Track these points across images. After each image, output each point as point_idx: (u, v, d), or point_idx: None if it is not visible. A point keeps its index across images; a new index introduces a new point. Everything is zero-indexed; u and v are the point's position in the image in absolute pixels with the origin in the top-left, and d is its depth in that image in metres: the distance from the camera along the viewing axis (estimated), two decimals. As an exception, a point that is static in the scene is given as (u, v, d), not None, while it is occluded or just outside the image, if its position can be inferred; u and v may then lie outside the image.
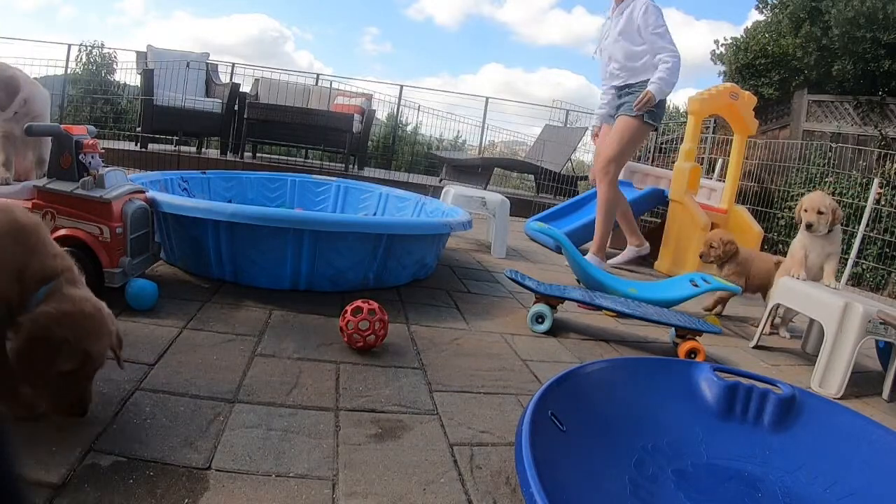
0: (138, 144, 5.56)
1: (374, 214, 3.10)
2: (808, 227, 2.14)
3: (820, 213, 2.14)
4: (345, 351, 1.44)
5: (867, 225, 4.51)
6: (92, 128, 1.65)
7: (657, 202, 3.99)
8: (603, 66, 3.24)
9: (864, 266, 4.92)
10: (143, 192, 1.75)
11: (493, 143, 8.99)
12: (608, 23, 3.18)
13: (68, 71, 7.48)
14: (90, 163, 1.57)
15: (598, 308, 2.02)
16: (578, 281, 2.50)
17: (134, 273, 1.60)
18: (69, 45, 7.29)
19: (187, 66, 5.70)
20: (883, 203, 4.80)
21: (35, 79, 2.15)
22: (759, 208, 5.41)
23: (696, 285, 2.31)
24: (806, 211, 2.17)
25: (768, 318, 2.16)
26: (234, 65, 7.35)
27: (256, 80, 6.51)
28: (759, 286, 2.65)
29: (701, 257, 2.65)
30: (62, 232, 1.51)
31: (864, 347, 1.74)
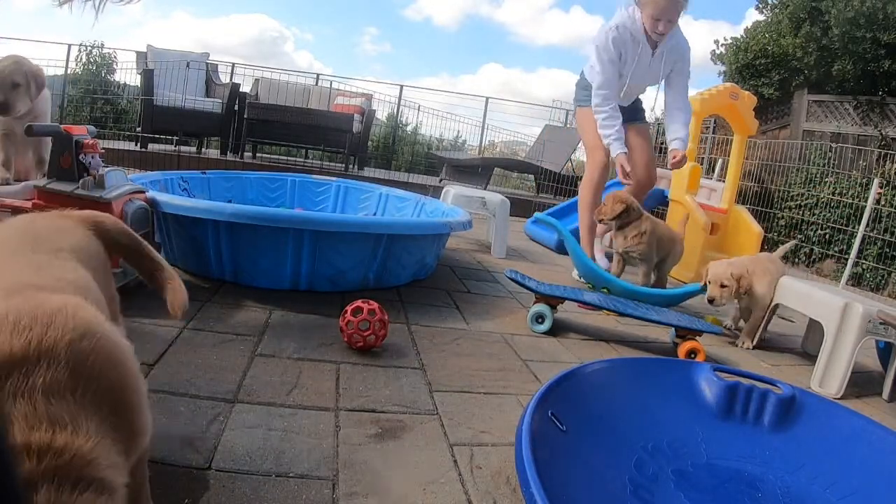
0: (138, 144, 5.55)
1: (374, 214, 3.10)
2: (710, 301, 2.05)
3: (723, 286, 2.04)
4: (345, 351, 1.44)
5: (867, 225, 4.51)
6: (92, 128, 1.65)
7: (657, 202, 3.99)
8: (624, 91, 2.77)
9: (864, 266, 4.91)
10: (144, 192, 1.75)
11: (493, 143, 9.00)
12: (635, 49, 2.61)
13: (68, 71, 7.48)
14: (90, 163, 1.57)
15: (598, 308, 2.02)
16: (592, 287, 2.42)
17: (134, 273, 1.60)
18: (69, 45, 7.29)
19: (187, 66, 5.69)
20: (883, 203, 4.80)
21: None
22: (759, 208, 5.40)
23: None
24: (709, 283, 2.07)
25: (768, 318, 2.15)
26: (234, 65, 7.36)
27: (256, 80, 6.51)
28: (663, 259, 2.63)
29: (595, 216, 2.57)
30: (62, 232, 1.50)
31: (863, 347, 1.74)
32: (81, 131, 1.58)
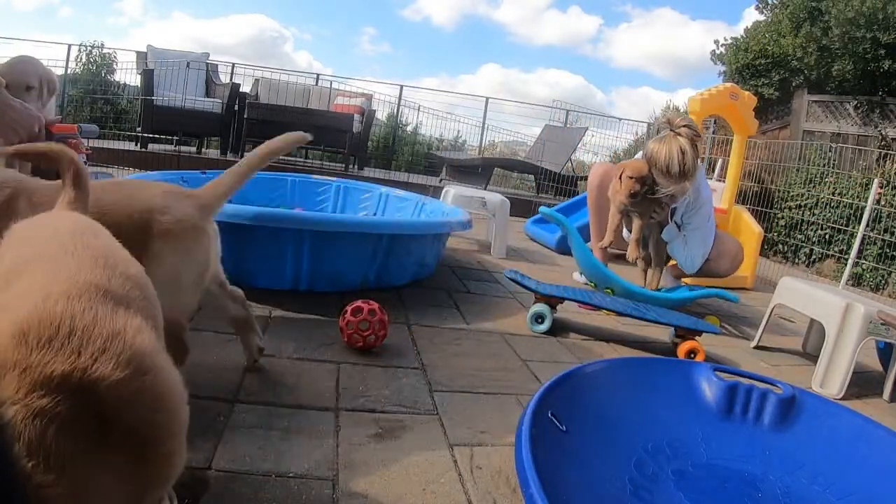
0: (138, 144, 5.56)
1: (374, 214, 3.10)
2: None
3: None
4: (345, 351, 1.44)
5: (867, 225, 4.50)
6: (94, 126, 1.64)
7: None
8: None
9: (864, 266, 4.91)
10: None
11: (493, 143, 9.01)
12: None
13: (68, 71, 7.48)
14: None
15: (598, 308, 2.02)
16: (595, 286, 2.36)
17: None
18: (69, 45, 7.30)
19: (187, 66, 5.70)
20: (883, 203, 4.79)
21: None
22: (759, 208, 5.40)
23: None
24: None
25: (769, 317, 2.15)
26: (234, 65, 7.35)
27: (256, 80, 6.52)
28: None
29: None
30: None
31: (863, 347, 1.74)
32: (69, 129, 1.55)
